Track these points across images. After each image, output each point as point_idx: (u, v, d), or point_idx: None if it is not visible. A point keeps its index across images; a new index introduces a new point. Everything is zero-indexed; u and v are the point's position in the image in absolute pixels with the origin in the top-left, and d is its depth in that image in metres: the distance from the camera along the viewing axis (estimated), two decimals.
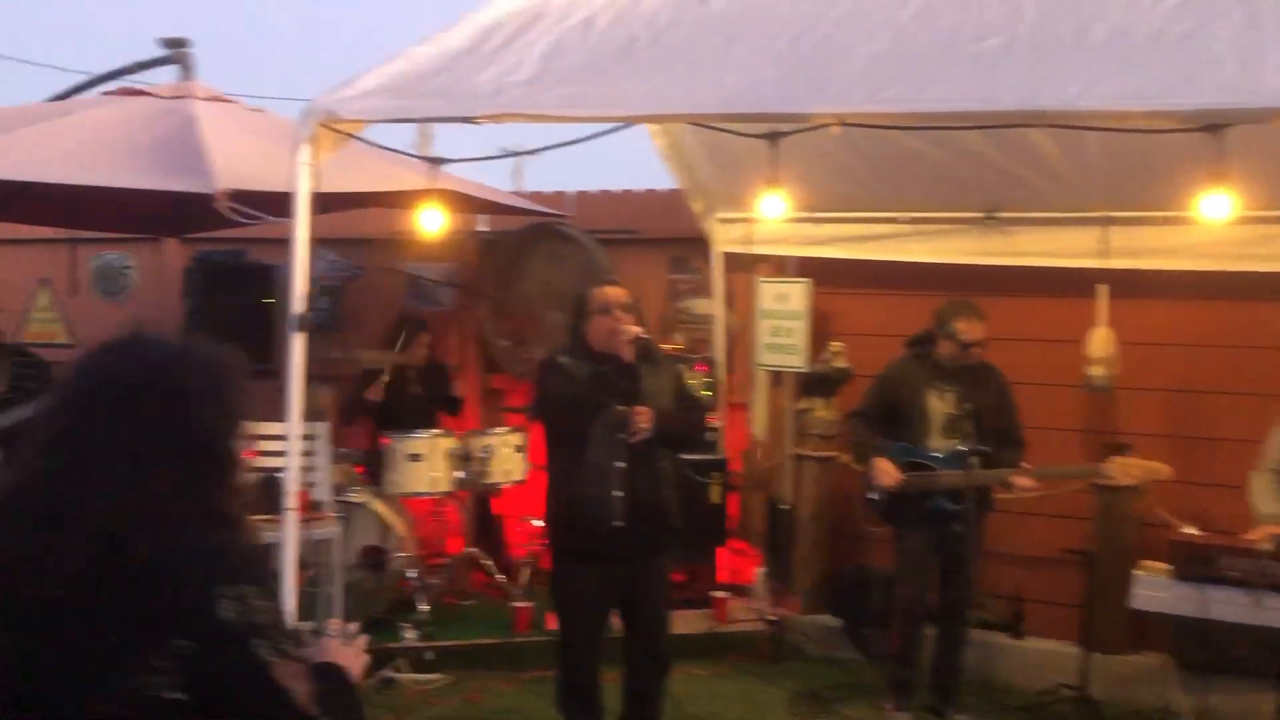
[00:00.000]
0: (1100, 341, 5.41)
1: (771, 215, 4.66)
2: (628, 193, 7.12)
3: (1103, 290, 5.39)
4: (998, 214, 5.62)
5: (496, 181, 7.16)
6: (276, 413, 3.79)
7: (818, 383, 5.98)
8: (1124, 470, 4.66)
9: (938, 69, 3.29)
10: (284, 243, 6.93)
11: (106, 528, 1.53)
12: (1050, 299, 5.72)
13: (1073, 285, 5.53)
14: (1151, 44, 3.17)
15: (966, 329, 4.80)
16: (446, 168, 4.64)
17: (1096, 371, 5.40)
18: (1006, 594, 5.66)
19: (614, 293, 4.16)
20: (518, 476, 6.12)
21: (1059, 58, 3.21)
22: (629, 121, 3.58)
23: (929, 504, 4.78)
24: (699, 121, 3.88)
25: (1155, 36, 3.19)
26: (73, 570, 1.51)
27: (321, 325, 6.85)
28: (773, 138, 3.88)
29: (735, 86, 3.34)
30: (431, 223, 4.29)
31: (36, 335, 8.36)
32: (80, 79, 6.65)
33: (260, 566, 1.73)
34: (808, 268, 6.27)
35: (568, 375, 4.08)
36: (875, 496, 4.93)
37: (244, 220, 4.12)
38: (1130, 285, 5.40)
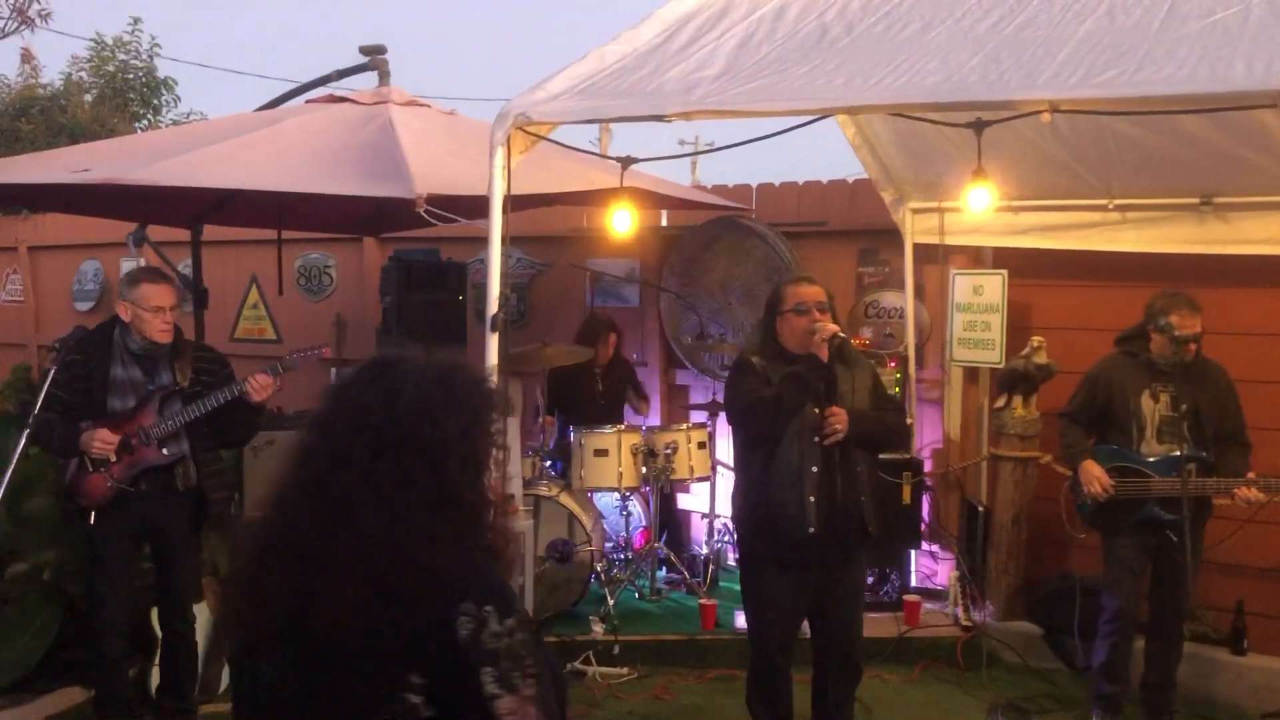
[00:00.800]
0: None
1: (978, 207, 4.43)
2: (811, 184, 6.98)
3: None
4: (1216, 199, 5.23)
5: (673, 175, 7.17)
6: None
7: (1017, 380, 5.70)
8: None
9: (1160, 47, 3.06)
10: (474, 241, 7.20)
11: (370, 574, 1.58)
12: (1276, 289, 5.29)
13: None
14: None
15: (1182, 324, 4.46)
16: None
17: None
18: (1227, 606, 5.27)
19: (809, 290, 4.02)
20: (702, 473, 6.10)
21: None
22: (825, 114, 3.47)
23: (1141, 512, 4.50)
24: (901, 112, 3.73)
25: None
26: (342, 610, 1.57)
27: (509, 321, 7.02)
28: (978, 127, 3.70)
29: (937, 74, 3.19)
30: (622, 222, 4.29)
31: (247, 331, 8.89)
32: (287, 86, 6.98)
33: (510, 593, 1.69)
34: (1004, 258, 6.00)
35: (761, 376, 3.99)
36: (1081, 502, 4.67)
37: (440, 222, 4.22)
38: None
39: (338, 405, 1.69)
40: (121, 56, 14.97)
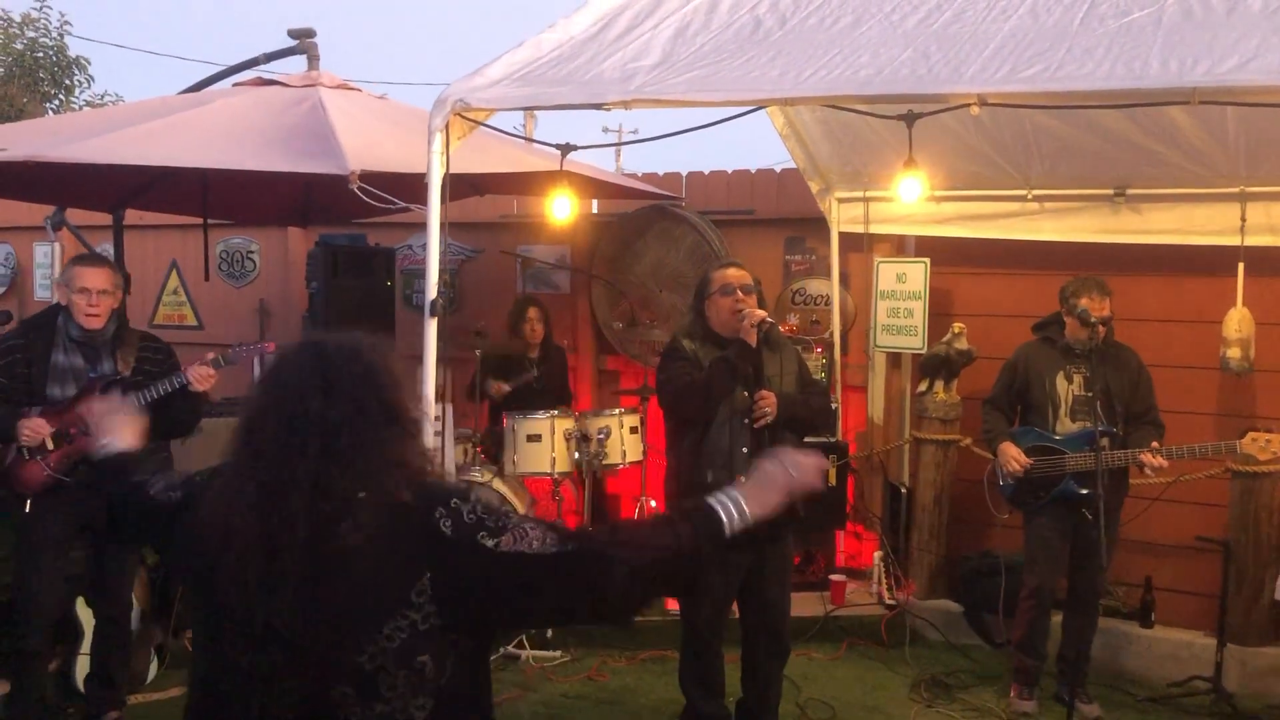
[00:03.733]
0: (1237, 322, 5.22)
1: (910, 198, 4.56)
2: (740, 172, 7.08)
3: (1239, 268, 5.20)
4: (1128, 190, 5.45)
5: (598, 164, 7.20)
6: None
7: (938, 365, 5.88)
8: (1261, 447, 4.47)
9: (1080, 45, 3.19)
10: (402, 226, 7.15)
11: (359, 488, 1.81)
12: (1184, 278, 5.54)
13: (1208, 263, 5.36)
14: None
15: (1092, 306, 4.67)
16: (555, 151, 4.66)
17: (1233, 353, 5.21)
18: (1136, 582, 5.51)
19: (736, 275, 4.13)
20: (634, 457, 6.16)
21: (1212, 30, 3.08)
22: (761, 105, 3.55)
23: (1058, 488, 4.69)
24: (835, 104, 3.81)
25: None
26: (356, 526, 1.79)
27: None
28: (909, 119, 3.80)
29: (869, 68, 3.28)
30: (561, 209, 4.32)
31: (167, 317, 8.72)
32: (207, 68, 6.86)
33: (461, 486, 2.00)
34: (927, 246, 6.17)
35: (691, 360, 4.07)
36: (1003, 483, 4.85)
37: (374, 203, 4.20)
38: (1269, 263, 5.21)
39: (284, 370, 1.93)
40: (30, 34, 14.47)
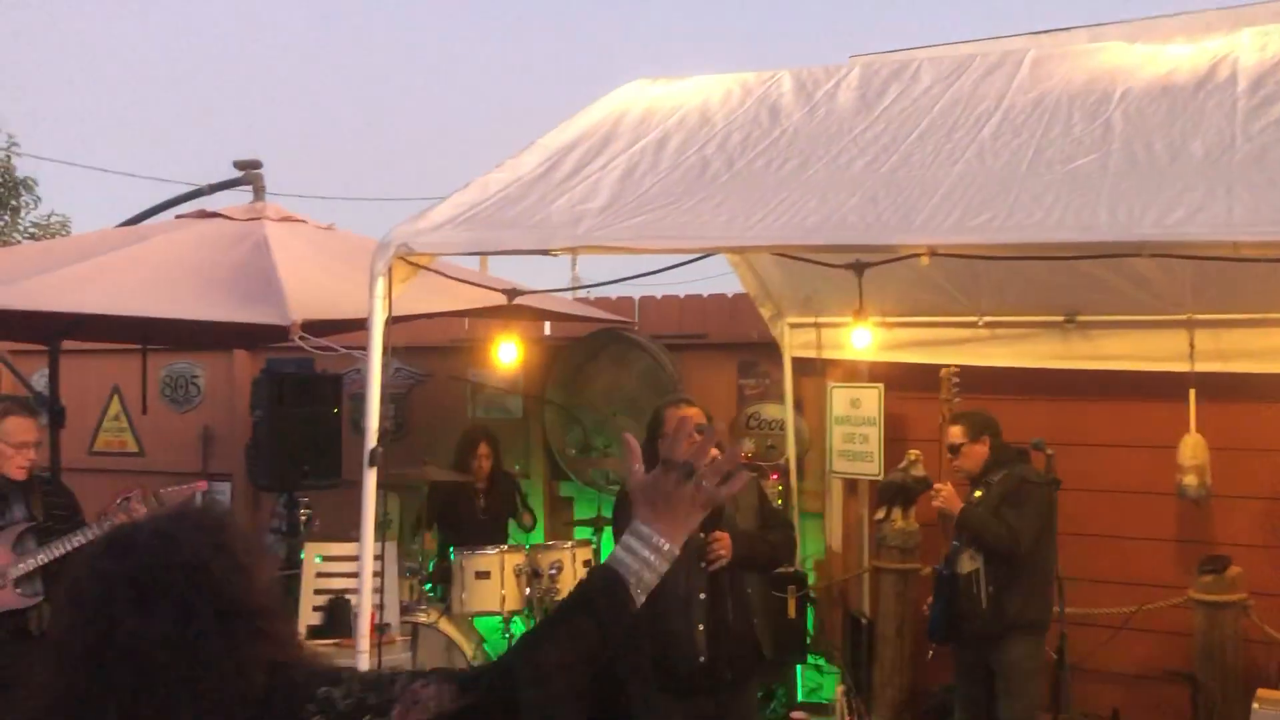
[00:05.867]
0: (1191, 448, 5.21)
1: (861, 346, 4.56)
2: (692, 297, 7.07)
3: (1191, 395, 5.21)
4: (1079, 317, 5.47)
5: (554, 281, 7.15)
6: (344, 524, 3.71)
7: (895, 492, 5.80)
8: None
9: (1028, 191, 3.18)
10: (352, 351, 7.01)
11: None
12: (1137, 403, 5.53)
13: (1160, 389, 5.35)
14: (1255, 163, 3.04)
15: (944, 435, 4.79)
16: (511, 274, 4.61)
17: (1189, 480, 5.19)
18: (1103, 715, 5.37)
19: (688, 413, 4.02)
20: None
21: (1156, 178, 3.09)
22: (709, 253, 3.50)
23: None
24: (783, 253, 3.78)
25: (1259, 154, 3.06)
26: None
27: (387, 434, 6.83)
28: (859, 268, 3.77)
29: (817, 215, 3.24)
30: (508, 355, 4.23)
31: (107, 444, 8.46)
32: (155, 185, 6.79)
33: (326, 668, 1.69)
34: (880, 371, 6.14)
35: None
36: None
37: (317, 350, 4.09)
38: (1220, 389, 5.22)
39: (86, 583, 1.59)
40: None
